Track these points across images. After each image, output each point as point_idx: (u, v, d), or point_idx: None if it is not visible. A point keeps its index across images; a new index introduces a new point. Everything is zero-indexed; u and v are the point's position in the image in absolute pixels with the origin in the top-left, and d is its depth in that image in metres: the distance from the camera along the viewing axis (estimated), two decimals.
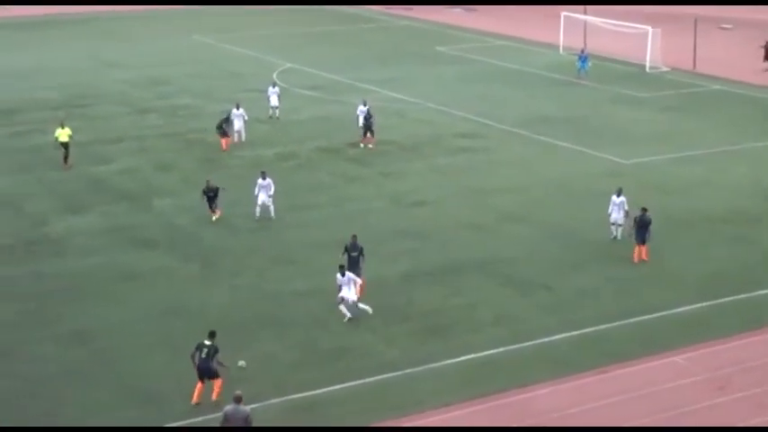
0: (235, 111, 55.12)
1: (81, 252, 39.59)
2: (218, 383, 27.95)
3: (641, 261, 37.99)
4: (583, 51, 75.49)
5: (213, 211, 42.56)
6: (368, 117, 53.93)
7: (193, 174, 49.35)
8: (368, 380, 29.42)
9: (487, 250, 39.73)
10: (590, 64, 73.92)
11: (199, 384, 27.89)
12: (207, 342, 27.98)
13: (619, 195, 40.27)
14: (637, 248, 38.15)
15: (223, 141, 53.84)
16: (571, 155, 53.49)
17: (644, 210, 38.33)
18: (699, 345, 31.68)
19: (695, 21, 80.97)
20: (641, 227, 38.04)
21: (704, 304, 34.68)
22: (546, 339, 32.04)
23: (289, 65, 78.68)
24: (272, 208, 42.73)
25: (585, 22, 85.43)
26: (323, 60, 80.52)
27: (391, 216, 43.85)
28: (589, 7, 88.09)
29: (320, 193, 46.78)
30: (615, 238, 40.10)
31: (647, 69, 76.48)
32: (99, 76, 74.73)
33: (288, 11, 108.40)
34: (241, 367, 28.14)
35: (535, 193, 46.93)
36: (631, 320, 33.36)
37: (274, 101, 60.34)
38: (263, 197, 42.58)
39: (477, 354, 31.04)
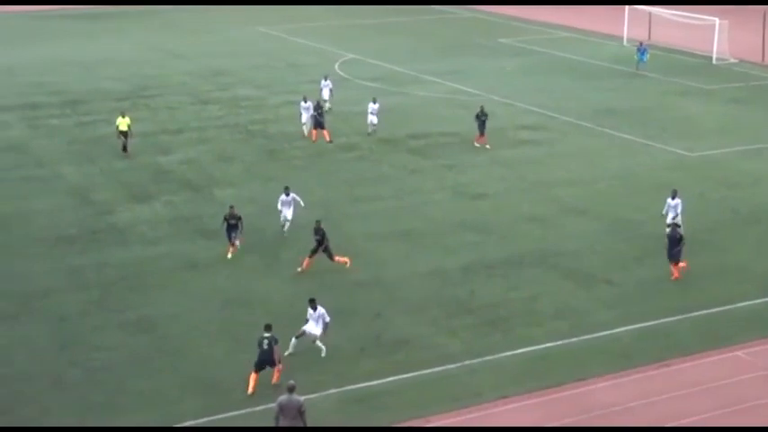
0: (303, 104, 55.19)
1: (144, 241, 39.97)
2: (278, 368, 28.22)
3: (675, 279, 35.58)
4: (642, 44, 74.69)
5: (232, 244, 37.83)
6: (481, 116, 52.67)
7: (254, 165, 49.66)
8: (427, 371, 29.41)
9: (549, 243, 39.53)
10: (648, 56, 73.03)
11: (254, 375, 28.11)
12: (266, 334, 28.19)
13: (674, 198, 39.29)
14: (671, 267, 35.80)
15: (325, 133, 53.73)
16: (635, 147, 53.00)
17: (676, 225, 36.78)
18: (762, 340, 31.33)
19: (764, 13, 79.79)
20: (671, 243, 35.90)
21: None
22: (607, 333, 31.83)
23: (351, 56, 78.78)
24: (288, 225, 39.75)
25: (650, 14, 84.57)
26: (386, 51, 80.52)
27: (453, 208, 43.74)
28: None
29: (382, 185, 46.79)
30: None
31: (714, 61, 75.57)
32: (163, 66, 75.41)
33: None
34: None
35: (598, 186, 46.60)
36: (694, 314, 33.03)
37: (326, 94, 60.10)
38: (285, 212, 39.90)
39: (537, 346, 30.94)
